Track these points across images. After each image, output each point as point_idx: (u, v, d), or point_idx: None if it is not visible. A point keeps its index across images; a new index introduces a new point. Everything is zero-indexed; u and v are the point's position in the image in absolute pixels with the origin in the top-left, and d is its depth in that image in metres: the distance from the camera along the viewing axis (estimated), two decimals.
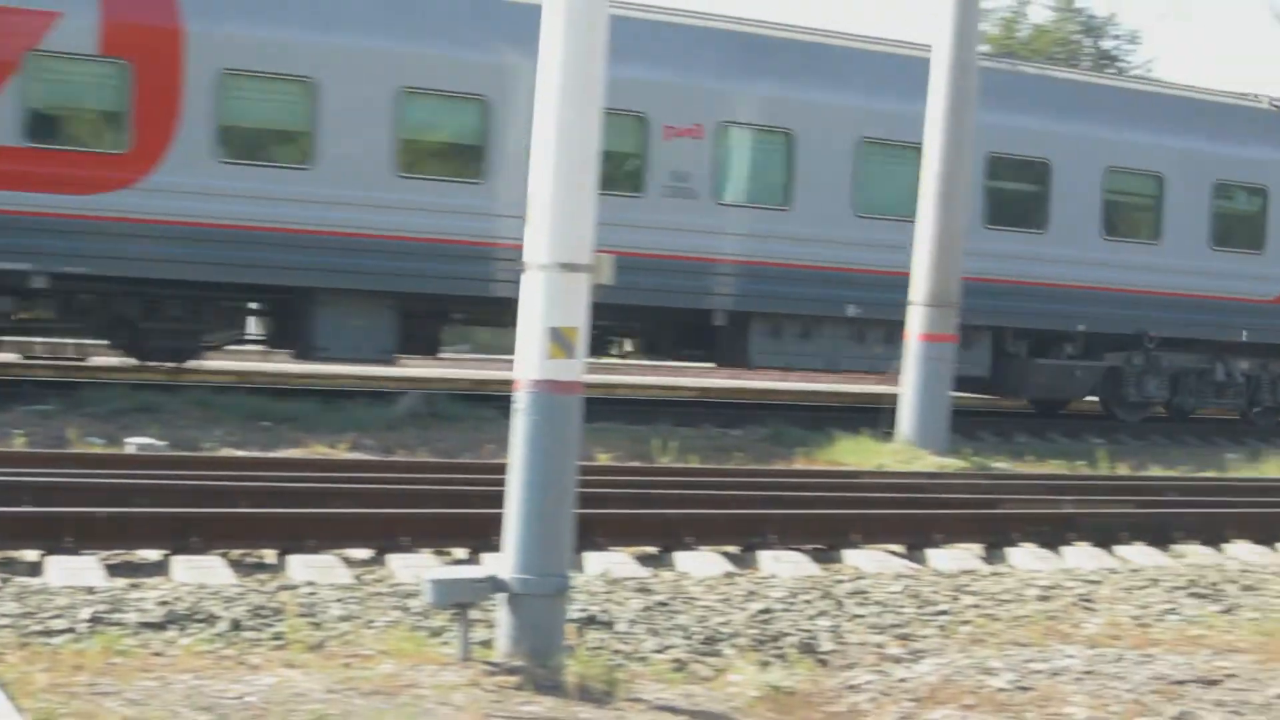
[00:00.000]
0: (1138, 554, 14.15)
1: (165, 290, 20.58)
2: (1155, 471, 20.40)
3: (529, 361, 8.17)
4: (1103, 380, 26.51)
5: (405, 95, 21.30)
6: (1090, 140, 25.53)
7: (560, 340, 8.10)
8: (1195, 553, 14.49)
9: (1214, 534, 15.07)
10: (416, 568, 10.82)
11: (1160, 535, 14.77)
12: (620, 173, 22.32)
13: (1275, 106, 28.21)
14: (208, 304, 21.74)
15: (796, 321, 23.59)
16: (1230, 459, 22.73)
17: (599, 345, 25.12)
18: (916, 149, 21.67)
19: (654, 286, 21.85)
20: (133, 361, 22.69)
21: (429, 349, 23.79)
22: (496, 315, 22.53)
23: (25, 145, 19.52)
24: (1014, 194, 25.52)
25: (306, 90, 20.81)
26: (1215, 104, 27.87)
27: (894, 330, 22.38)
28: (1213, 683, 9.08)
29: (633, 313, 23.25)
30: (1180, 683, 8.93)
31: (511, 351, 8.50)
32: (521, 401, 8.19)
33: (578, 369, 8.21)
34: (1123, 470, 20.17)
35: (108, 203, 19.69)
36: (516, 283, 8.38)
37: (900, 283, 21.33)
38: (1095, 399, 27.95)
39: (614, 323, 24.28)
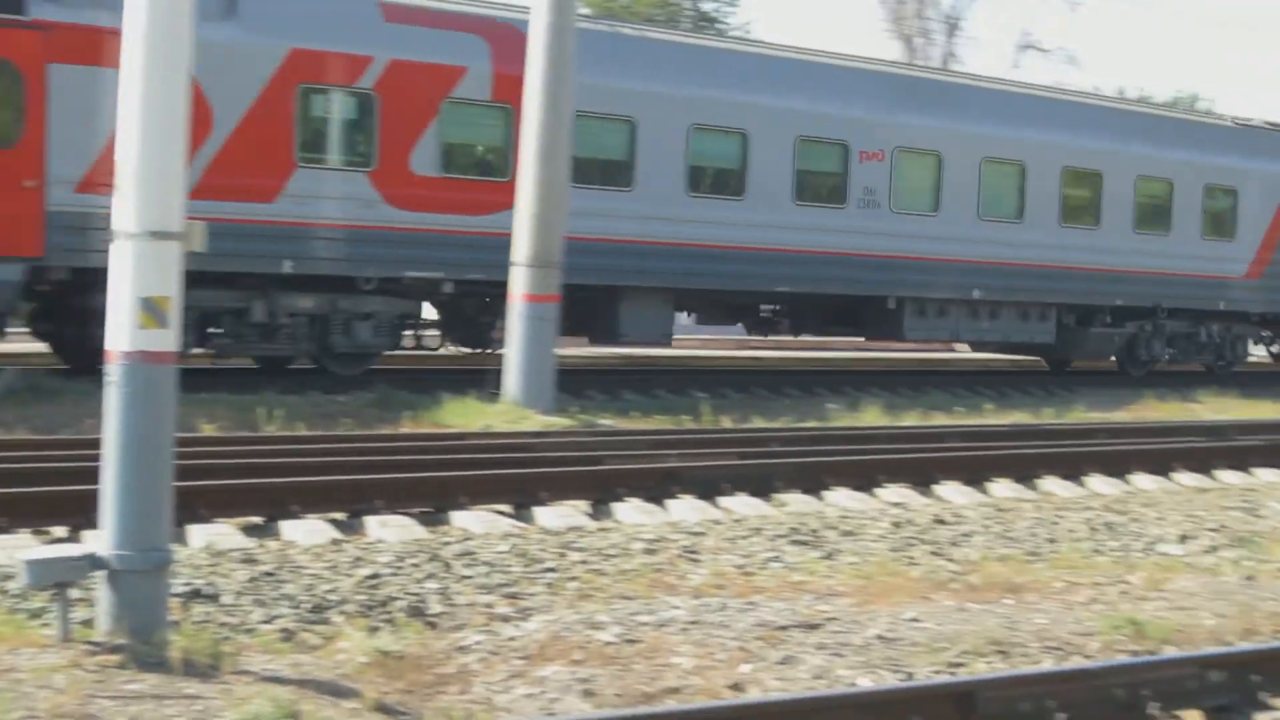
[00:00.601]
0: (740, 504, 14.44)
1: (495, 291, 23.25)
2: (758, 423, 20.80)
3: (120, 333, 7.97)
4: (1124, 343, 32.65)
5: (694, 131, 26.36)
6: (1128, 155, 31.62)
7: (152, 310, 7.92)
8: (796, 501, 14.84)
9: (814, 482, 15.45)
10: (13, 549, 10.48)
11: (762, 485, 15.09)
12: (830, 189, 27.98)
13: (1236, 124, 34.85)
14: None
15: (935, 304, 29.25)
16: (830, 409, 23.31)
17: (767, 325, 30.34)
18: (1018, 165, 30.02)
19: (850, 278, 27.91)
20: None
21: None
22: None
23: (440, 175, 24.05)
24: (1077, 198, 31.15)
25: (628, 127, 25.77)
26: (1198, 123, 34.68)
27: (997, 309, 30.04)
28: (814, 626, 9.32)
29: (825, 300, 28.80)
30: (783, 628, 9.14)
31: None
32: (113, 374, 8.00)
33: (171, 339, 8.04)
34: (726, 423, 20.54)
35: (494, 221, 23.38)
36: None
37: (1013, 271, 29.68)
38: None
39: (804, 308, 29.55)
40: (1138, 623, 9.64)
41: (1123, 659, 8.61)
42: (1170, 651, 8.97)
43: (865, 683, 8.14)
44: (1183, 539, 13.62)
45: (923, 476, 16.21)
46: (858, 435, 18.94)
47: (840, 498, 15.13)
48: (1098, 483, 17.05)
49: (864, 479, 15.79)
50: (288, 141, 22.75)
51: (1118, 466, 17.63)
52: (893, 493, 15.57)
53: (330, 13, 23.25)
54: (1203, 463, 18.25)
